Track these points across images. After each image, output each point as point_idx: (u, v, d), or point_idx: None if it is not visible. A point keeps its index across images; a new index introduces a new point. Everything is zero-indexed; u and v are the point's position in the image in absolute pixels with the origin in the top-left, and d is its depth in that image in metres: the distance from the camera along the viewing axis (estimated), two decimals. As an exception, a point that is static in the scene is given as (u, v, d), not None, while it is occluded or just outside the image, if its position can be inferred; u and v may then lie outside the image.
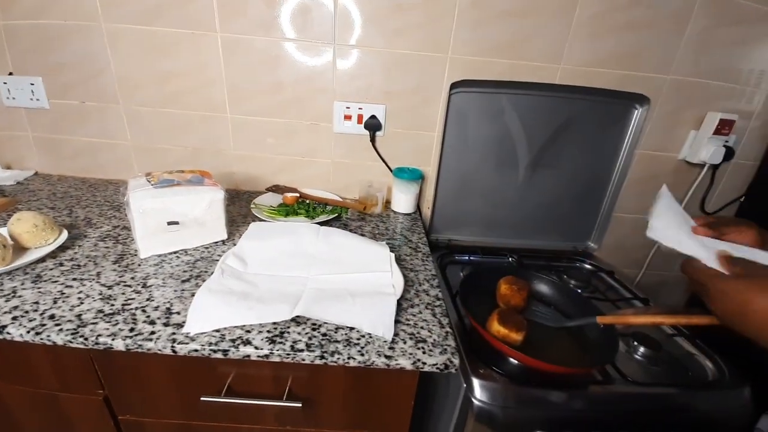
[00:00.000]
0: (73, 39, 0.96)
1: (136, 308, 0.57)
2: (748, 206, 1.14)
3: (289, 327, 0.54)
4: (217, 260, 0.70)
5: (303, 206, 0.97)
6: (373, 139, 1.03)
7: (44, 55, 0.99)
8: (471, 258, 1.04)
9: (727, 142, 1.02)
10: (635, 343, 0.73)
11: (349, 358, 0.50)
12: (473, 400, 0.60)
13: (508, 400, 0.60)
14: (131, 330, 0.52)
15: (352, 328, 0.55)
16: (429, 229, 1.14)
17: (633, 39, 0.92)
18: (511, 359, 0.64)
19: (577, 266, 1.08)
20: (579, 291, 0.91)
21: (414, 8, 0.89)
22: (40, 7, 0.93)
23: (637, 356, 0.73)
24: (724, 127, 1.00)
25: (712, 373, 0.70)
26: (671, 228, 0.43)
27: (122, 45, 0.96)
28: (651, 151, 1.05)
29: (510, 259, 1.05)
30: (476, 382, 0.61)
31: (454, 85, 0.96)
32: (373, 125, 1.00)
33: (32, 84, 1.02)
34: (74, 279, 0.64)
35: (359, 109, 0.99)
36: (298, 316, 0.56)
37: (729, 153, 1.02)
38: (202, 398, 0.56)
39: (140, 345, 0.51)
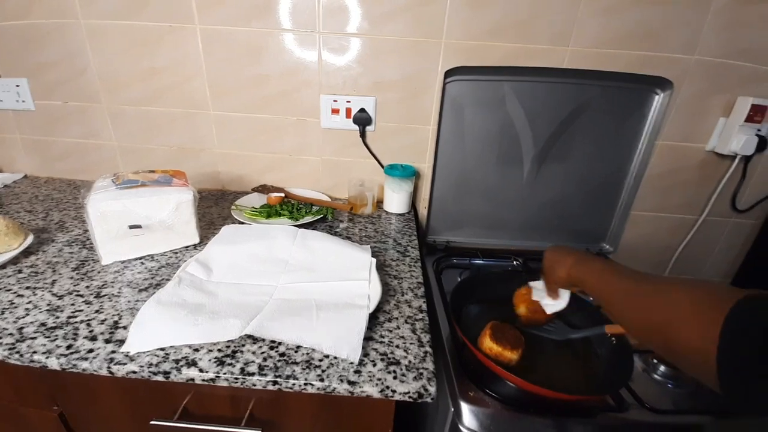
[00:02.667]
0: (55, 38, 0.93)
1: (81, 321, 0.51)
2: (785, 202, 1.01)
3: (243, 345, 0.48)
4: (185, 266, 0.65)
5: (287, 207, 0.90)
6: (363, 135, 0.96)
7: (28, 56, 0.96)
8: (471, 261, 0.96)
9: (759, 131, 0.90)
10: (654, 360, 0.64)
11: (306, 384, 0.43)
12: (461, 428, 0.52)
13: (501, 429, 0.52)
14: (68, 347, 0.47)
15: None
16: (426, 230, 1.06)
17: (651, 15, 0.81)
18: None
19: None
20: (590, 299, 0.81)
21: (402, -11, 0.81)
22: (22, 7, 0.90)
23: (656, 376, 0.63)
24: (756, 114, 0.88)
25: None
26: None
27: (101, 42, 0.92)
28: (674, 142, 0.94)
29: (515, 262, 0.96)
30: (465, 407, 0.53)
31: (449, 73, 0.87)
32: (362, 119, 0.93)
33: (17, 85, 1.00)
34: (27, 287, 0.59)
35: (347, 102, 0.92)
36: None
37: (762, 143, 0.90)
38: (151, 422, 0.50)
39: (74, 365, 0.45)
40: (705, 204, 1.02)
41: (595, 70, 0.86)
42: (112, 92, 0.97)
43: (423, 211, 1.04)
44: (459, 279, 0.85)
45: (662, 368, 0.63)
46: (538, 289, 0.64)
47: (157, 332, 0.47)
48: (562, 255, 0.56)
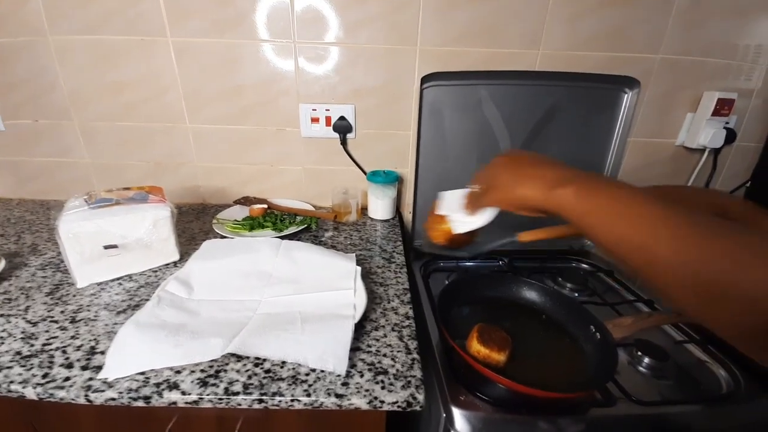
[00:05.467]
0: (22, 56, 0.91)
1: (57, 348, 0.49)
2: (755, 191, 1.05)
3: (227, 364, 0.47)
4: (166, 285, 0.63)
5: (270, 218, 0.89)
6: (344, 142, 0.96)
7: (-5, 75, 0.93)
8: (458, 264, 0.96)
9: (727, 123, 0.94)
10: (639, 353, 0.65)
11: (293, 400, 0.42)
12: (453, 433, 0.52)
13: (493, 431, 0.52)
14: (44, 376, 0.45)
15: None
16: (412, 234, 1.06)
17: (616, 17, 0.84)
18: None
19: (573, 266, 0.99)
20: (575, 295, 0.83)
21: (375, -2, 0.82)
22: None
23: (641, 368, 0.64)
24: (723, 108, 0.92)
25: (726, 384, 0.62)
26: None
27: (70, 58, 0.90)
28: (645, 138, 0.98)
29: (500, 262, 0.97)
30: (456, 412, 0.53)
31: (425, 79, 0.88)
32: (342, 127, 0.93)
33: (-16, 106, 0.96)
34: (1, 315, 0.57)
35: (326, 110, 0.92)
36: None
37: (730, 135, 0.94)
38: (135, 450, 0.48)
39: (51, 394, 0.43)
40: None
41: (565, 72, 0.88)
42: (83, 108, 0.95)
43: (408, 216, 1.04)
44: (446, 282, 0.85)
45: (646, 360, 0.64)
46: (448, 198, 0.49)
47: (135, 356, 0.45)
48: (533, 166, 0.39)
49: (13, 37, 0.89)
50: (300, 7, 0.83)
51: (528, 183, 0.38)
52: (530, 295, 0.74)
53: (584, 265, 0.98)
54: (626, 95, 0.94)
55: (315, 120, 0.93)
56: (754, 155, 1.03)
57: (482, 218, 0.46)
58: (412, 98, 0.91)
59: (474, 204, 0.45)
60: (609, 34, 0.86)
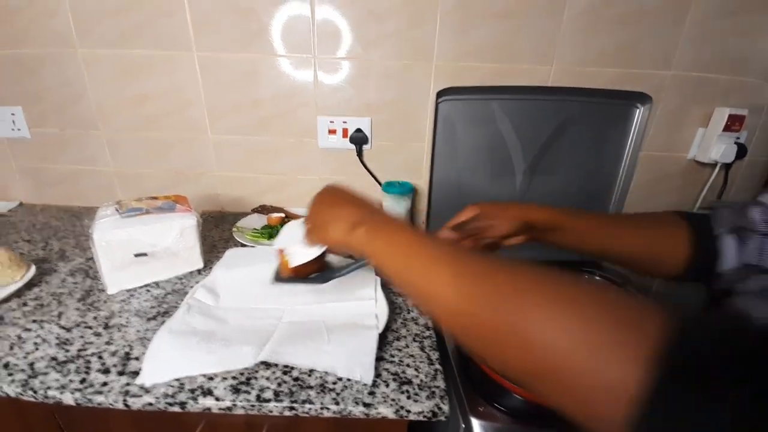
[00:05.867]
0: (51, 66, 0.94)
1: (92, 354, 0.51)
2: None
3: (257, 372, 0.48)
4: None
5: (288, 227, 0.92)
6: (360, 154, 0.98)
7: (23, 85, 0.97)
8: (470, 274, 0.98)
9: (738, 138, 0.95)
10: (653, 366, 0.66)
11: (322, 408, 0.44)
12: (472, 444, 0.53)
13: (511, 442, 0.53)
14: (82, 381, 0.47)
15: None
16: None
17: (628, 34, 0.86)
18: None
19: (586, 278, 1.00)
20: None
21: (393, 15, 0.85)
22: (17, 36, 0.91)
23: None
24: (734, 123, 0.93)
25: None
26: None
27: (99, 70, 0.93)
28: (657, 152, 0.99)
29: (512, 273, 0.98)
30: (475, 423, 0.54)
31: (440, 93, 0.91)
32: (359, 139, 0.96)
33: (13, 114, 1.00)
34: (34, 321, 0.59)
35: (343, 122, 0.95)
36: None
37: (741, 150, 0.95)
38: (165, 453, 0.50)
39: (90, 399, 0.45)
40: (690, 211, 1.06)
41: (578, 87, 0.90)
42: (110, 119, 0.98)
43: (422, 226, 1.06)
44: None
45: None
46: (287, 232, 0.53)
47: (171, 362, 0.47)
48: (338, 207, 0.41)
49: (42, 48, 0.93)
50: (321, 23, 0.86)
51: (333, 225, 0.40)
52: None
53: (597, 277, 0.99)
54: (638, 110, 0.95)
55: (332, 132, 0.96)
56: (765, 170, 1.04)
57: (314, 251, 0.48)
58: (427, 112, 0.93)
59: (307, 239, 0.48)
60: (621, 50, 0.88)
